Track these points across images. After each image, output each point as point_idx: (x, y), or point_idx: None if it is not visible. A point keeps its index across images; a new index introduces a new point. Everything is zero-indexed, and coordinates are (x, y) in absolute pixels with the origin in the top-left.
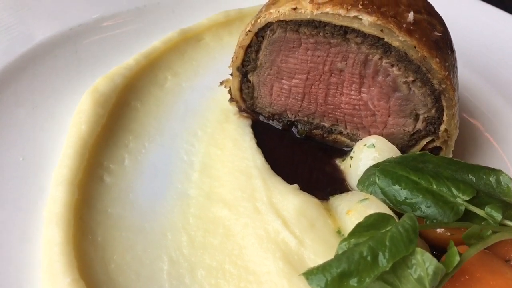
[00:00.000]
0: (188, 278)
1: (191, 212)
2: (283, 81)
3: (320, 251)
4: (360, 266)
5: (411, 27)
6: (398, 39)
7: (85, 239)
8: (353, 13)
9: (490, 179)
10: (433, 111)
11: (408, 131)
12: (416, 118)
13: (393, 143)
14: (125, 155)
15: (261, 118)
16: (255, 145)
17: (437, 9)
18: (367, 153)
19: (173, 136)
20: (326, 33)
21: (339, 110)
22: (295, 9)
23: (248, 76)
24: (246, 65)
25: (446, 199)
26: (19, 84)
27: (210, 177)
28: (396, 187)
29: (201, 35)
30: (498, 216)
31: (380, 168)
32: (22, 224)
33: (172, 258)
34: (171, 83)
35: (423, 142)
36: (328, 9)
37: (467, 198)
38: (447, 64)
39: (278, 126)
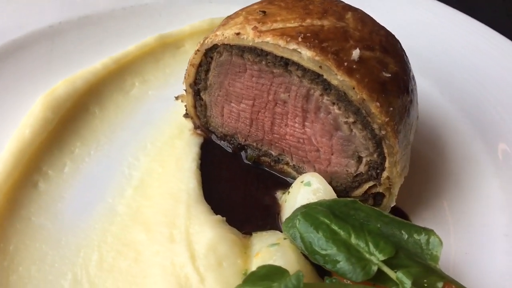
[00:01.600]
0: None
1: (112, 231)
2: (232, 104)
3: None
4: None
5: (354, 66)
6: (336, 78)
7: None
8: (292, 46)
9: (421, 238)
10: (375, 155)
11: (351, 173)
12: (359, 160)
13: (337, 182)
14: (67, 162)
15: (213, 137)
16: (195, 167)
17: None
18: (302, 191)
19: (122, 147)
20: (269, 62)
21: (284, 141)
22: (238, 34)
23: (201, 94)
24: (198, 83)
25: (360, 256)
26: None
27: (143, 196)
28: (315, 234)
29: (181, 42)
30: (408, 284)
31: (304, 211)
32: None
33: (76, 277)
34: (137, 90)
35: (366, 186)
36: (269, 38)
37: (383, 258)
38: (391, 109)
39: (229, 148)
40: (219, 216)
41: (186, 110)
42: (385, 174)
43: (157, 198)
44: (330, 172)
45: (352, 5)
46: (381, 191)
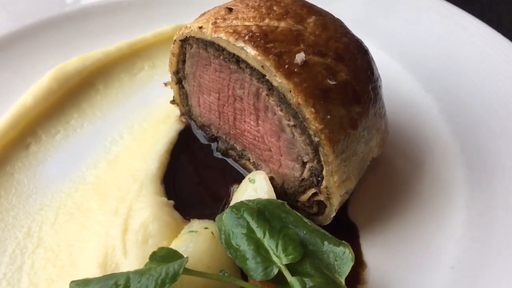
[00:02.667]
0: (28, 252)
1: (74, 197)
2: (204, 96)
3: (136, 268)
4: None
5: (295, 69)
6: (276, 79)
7: None
8: (239, 43)
9: (336, 251)
10: (315, 162)
11: (297, 177)
12: (303, 165)
13: (288, 185)
14: (60, 130)
15: (193, 126)
16: (165, 150)
17: None
18: (247, 187)
19: (112, 123)
20: (225, 58)
21: (244, 137)
22: (200, 28)
23: (182, 82)
24: (179, 72)
25: (267, 257)
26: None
27: (112, 170)
28: (234, 229)
29: None
30: None
31: (233, 206)
32: None
33: (30, 231)
34: (144, 74)
35: (310, 192)
36: (222, 34)
37: (286, 262)
38: (328, 117)
39: (205, 138)
40: (164, 199)
41: (173, 96)
42: (324, 183)
43: (122, 173)
44: (281, 173)
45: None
46: (322, 199)
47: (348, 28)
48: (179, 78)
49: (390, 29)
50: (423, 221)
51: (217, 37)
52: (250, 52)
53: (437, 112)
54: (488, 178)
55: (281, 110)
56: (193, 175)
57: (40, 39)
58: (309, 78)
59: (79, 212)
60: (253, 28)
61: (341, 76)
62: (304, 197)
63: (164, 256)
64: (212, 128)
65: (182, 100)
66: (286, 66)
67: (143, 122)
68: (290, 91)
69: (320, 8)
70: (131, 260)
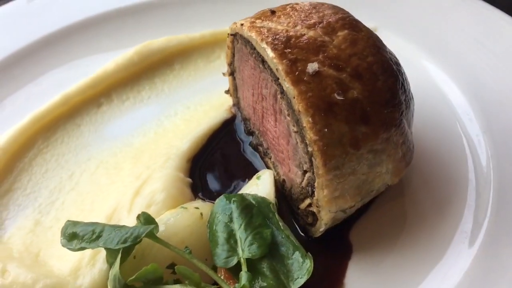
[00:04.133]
0: (64, 192)
1: (117, 155)
2: (245, 90)
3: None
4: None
5: (304, 78)
6: (285, 84)
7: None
8: (263, 44)
9: (300, 261)
10: (311, 172)
11: (298, 183)
12: (304, 173)
13: (294, 190)
14: (130, 97)
15: (238, 117)
16: (203, 134)
17: None
18: (253, 182)
19: (174, 101)
20: (256, 57)
21: (267, 136)
22: (242, 25)
23: (234, 74)
24: (232, 64)
25: (233, 247)
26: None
27: (155, 141)
28: (220, 215)
29: None
30: (239, 285)
31: (230, 194)
32: None
33: (72, 176)
34: (219, 62)
35: (307, 202)
36: (253, 33)
37: (246, 256)
38: (325, 130)
39: (244, 131)
40: (181, 175)
41: (228, 87)
42: (315, 195)
43: (160, 146)
44: (289, 178)
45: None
46: (315, 211)
47: (383, 49)
48: (232, 70)
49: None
50: (421, 265)
51: (250, 35)
52: (269, 54)
53: (484, 156)
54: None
55: (289, 115)
56: (221, 162)
57: (141, 17)
58: (316, 88)
59: (114, 170)
60: (281, 32)
61: (352, 93)
62: (303, 205)
63: (145, 219)
64: (250, 123)
65: (234, 91)
66: (297, 73)
67: (198, 105)
68: (294, 97)
69: (362, 25)
70: (131, 219)
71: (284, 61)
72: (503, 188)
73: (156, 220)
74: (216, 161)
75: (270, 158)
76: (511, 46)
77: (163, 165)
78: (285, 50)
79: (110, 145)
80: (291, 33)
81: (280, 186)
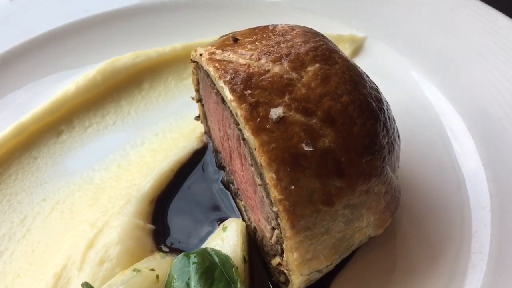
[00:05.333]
0: (14, 240)
1: (75, 195)
2: (213, 121)
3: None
4: None
5: (267, 125)
6: (245, 132)
7: None
8: (221, 83)
9: None
10: (279, 230)
11: (269, 238)
12: (273, 229)
13: (266, 242)
14: (94, 123)
15: (210, 148)
16: (169, 169)
17: None
18: (218, 234)
19: (142, 127)
20: (217, 93)
21: (236, 178)
22: (201, 55)
23: (202, 101)
24: (199, 90)
25: None
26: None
27: (117, 177)
28: (179, 276)
29: None
30: None
31: (190, 252)
32: None
33: (25, 219)
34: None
35: (277, 260)
36: (211, 68)
37: None
38: (292, 187)
39: (215, 163)
40: (141, 223)
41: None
42: (285, 256)
43: (121, 183)
44: (260, 228)
45: None
46: (285, 272)
47: (361, 83)
48: (199, 97)
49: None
50: None
51: (208, 69)
52: (227, 96)
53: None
54: None
55: (252, 165)
56: (188, 201)
57: (100, 32)
58: (281, 138)
59: (70, 213)
60: (242, 67)
61: (323, 142)
62: (274, 262)
63: None
64: (221, 156)
65: (204, 118)
66: (258, 119)
67: (168, 131)
68: (255, 149)
69: (338, 56)
70: (82, 279)
71: (243, 105)
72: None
73: (105, 285)
74: (182, 202)
75: (241, 200)
76: None
77: (121, 211)
78: (245, 92)
79: (68, 182)
80: (253, 69)
81: (252, 234)
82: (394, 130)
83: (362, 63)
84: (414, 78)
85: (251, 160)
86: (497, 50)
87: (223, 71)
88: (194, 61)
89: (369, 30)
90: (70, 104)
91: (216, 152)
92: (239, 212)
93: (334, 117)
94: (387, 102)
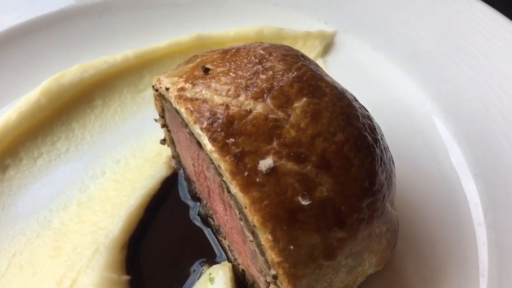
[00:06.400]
0: None
1: (33, 243)
2: (183, 151)
3: None
4: None
5: (257, 179)
6: (231, 187)
7: None
8: (197, 129)
9: None
10: (276, 287)
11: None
12: (267, 283)
13: (257, 286)
14: (43, 153)
15: (181, 174)
16: (139, 205)
17: None
18: (205, 285)
19: (99, 153)
20: (190, 133)
21: (219, 219)
22: (167, 89)
23: (169, 127)
24: (164, 116)
25: None
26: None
27: (79, 218)
28: None
29: (221, 46)
30: None
31: None
32: None
33: None
34: (150, 92)
35: None
36: (183, 109)
37: None
38: (291, 247)
39: (188, 193)
40: (115, 277)
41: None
42: None
43: (85, 226)
44: (251, 274)
45: None
46: None
47: (353, 113)
48: (165, 124)
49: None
50: None
51: (179, 110)
52: (207, 146)
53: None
54: None
55: (241, 220)
56: (164, 241)
57: (38, 41)
58: (273, 192)
59: (30, 268)
60: (219, 109)
61: (320, 192)
62: None
63: None
64: (195, 186)
65: (171, 143)
66: (246, 173)
67: (130, 157)
68: (246, 208)
69: (324, 82)
70: None
71: (227, 157)
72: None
73: None
74: (158, 243)
75: (225, 239)
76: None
77: (89, 264)
78: (227, 140)
79: (24, 228)
80: (233, 110)
81: (240, 276)
82: (390, 161)
83: (335, 61)
84: (391, 76)
85: (239, 214)
86: (477, 40)
87: (198, 115)
88: (157, 90)
89: (338, 23)
90: (13, 133)
91: (189, 181)
92: (222, 250)
93: (329, 161)
94: (379, 128)
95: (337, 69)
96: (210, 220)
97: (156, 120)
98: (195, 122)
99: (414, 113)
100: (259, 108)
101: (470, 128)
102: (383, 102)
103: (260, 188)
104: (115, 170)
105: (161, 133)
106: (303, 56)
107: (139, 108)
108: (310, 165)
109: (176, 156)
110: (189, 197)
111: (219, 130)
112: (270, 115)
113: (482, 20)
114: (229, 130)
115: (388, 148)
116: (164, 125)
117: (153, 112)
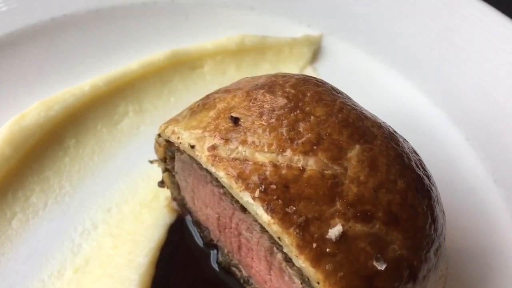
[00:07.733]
0: None
1: None
2: (200, 203)
3: None
4: None
5: (327, 249)
6: (298, 261)
7: None
8: (246, 197)
9: None
10: None
11: None
12: None
13: None
14: (17, 212)
15: (188, 218)
16: (148, 263)
17: None
18: None
19: (84, 202)
20: (227, 194)
21: (251, 269)
22: (193, 147)
23: (172, 172)
24: (166, 161)
25: None
26: None
27: (77, 286)
28: None
29: (199, 62)
30: None
31: None
32: None
33: None
34: (128, 122)
35: None
36: (222, 173)
37: None
38: None
39: (201, 240)
40: None
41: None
42: None
43: None
44: None
45: None
46: None
47: (405, 152)
48: (168, 168)
49: None
50: None
51: (216, 173)
52: (264, 218)
53: None
54: None
55: None
56: None
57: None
58: (346, 261)
59: None
60: (268, 171)
61: (393, 251)
62: None
63: None
64: (211, 233)
65: (174, 189)
66: (314, 244)
67: (122, 204)
68: (319, 283)
69: (369, 119)
70: None
71: (291, 229)
72: None
73: None
74: None
75: None
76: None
77: None
78: (288, 209)
79: None
80: (284, 171)
81: None
82: (438, 192)
83: (324, 68)
84: (387, 80)
85: (301, 283)
86: (470, 37)
87: (244, 180)
88: (166, 140)
89: (321, 25)
90: None
91: (200, 225)
92: None
93: (396, 215)
94: (421, 159)
95: (329, 76)
96: (234, 269)
97: (152, 162)
98: (242, 190)
99: (420, 120)
100: (311, 163)
101: (482, 131)
102: (384, 108)
103: (332, 259)
104: (108, 221)
105: (152, 171)
106: (334, 89)
107: (119, 143)
108: (379, 222)
109: (178, 199)
110: (201, 243)
111: (275, 198)
112: (325, 171)
113: (480, 20)
114: (286, 196)
115: (434, 181)
116: (166, 170)
117: (136, 147)
